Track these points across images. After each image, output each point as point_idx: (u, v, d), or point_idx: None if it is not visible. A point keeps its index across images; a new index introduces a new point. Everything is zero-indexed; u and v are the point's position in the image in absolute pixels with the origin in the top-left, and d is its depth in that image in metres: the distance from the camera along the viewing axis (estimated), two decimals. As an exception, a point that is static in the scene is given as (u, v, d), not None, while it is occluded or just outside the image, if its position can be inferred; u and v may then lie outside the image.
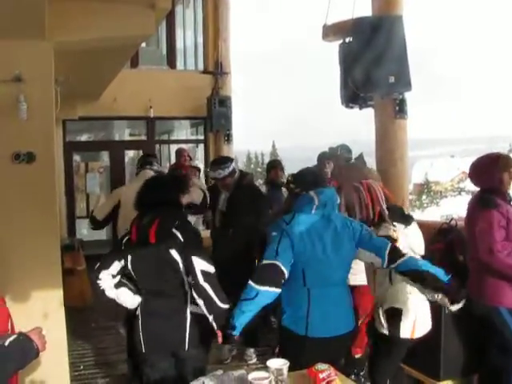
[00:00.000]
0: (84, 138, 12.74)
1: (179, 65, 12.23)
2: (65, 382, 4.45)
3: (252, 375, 2.46)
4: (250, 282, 3.12)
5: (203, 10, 11.79)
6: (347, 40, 5.96)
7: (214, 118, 10.85)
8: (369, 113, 6.17)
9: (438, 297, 3.24)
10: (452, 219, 4.81)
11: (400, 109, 5.73)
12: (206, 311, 3.19)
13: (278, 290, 3.13)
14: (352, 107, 6.19)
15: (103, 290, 3.44)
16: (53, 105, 4.47)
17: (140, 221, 3.37)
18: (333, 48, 6.23)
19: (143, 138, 12.10)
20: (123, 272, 3.47)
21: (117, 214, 5.17)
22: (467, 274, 4.17)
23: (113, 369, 5.55)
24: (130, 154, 12.38)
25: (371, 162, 6.36)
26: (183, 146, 11.73)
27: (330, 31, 6.16)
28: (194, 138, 12.88)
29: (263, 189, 6.48)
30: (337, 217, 3.39)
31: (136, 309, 3.51)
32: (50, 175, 4.42)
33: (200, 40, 12.04)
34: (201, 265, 3.21)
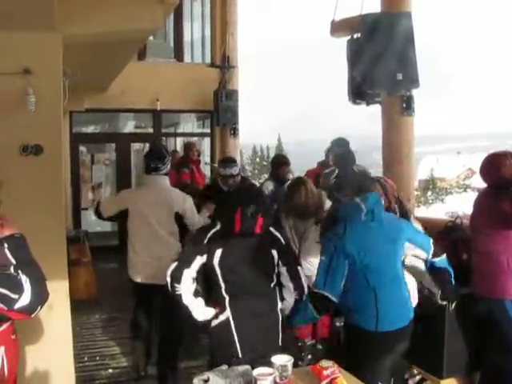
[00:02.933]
0: (90, 129, 12.74)
1: (186, 58, 12.21)
2: (69, 373, 4.47)
3: (257, 371, 2.47)
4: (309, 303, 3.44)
5: (211, 3, 11.75)
6: (355, 36, 5.94)
7: (221, 111, 10.82)
8: (376, 109, 6.17)
9: (438, 292, 3.54)
10: (457, 217, 4.80)
11: (407, 106, 5.73)
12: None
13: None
14: (359, 103, 6.18)
15: (180, 295, 3.27)
16: (61, 97, 4.46)
17: (243, 211, 3.26)
18: (339, 44, 6.22)
19: (150, 130, 12.10)
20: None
21: (124, 218, 5.00)
22: (470, 272, 4.18)
23: (117, 360, 5.58)
24: (136, 146, 12.37)
25: (378, 158, 6.37)
26: (192, 140, 11.77)
27: (338, 27, 6.15)
28: (200, 131, 12.88)
29: (269, 184, 6.44)
30: (386, 217, 3.59)
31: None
32: (58, 168, 4.42)
33: (207, 33, 12.01)
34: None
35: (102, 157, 12.21)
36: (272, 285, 3.35)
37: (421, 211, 37.29)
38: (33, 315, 2.61)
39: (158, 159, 4.95)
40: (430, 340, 4.15)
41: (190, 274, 3.27)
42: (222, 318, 3.29)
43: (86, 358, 5.59)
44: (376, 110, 6.12)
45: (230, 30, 11.05)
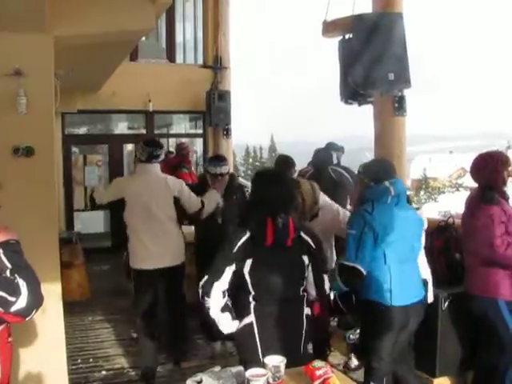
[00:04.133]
0: (83, 130, 12.70)
1: (178, 59, 12.19)
2: (62, 376, 4.46)
3: (249, 372, 2.47)
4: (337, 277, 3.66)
5: (203, 3, 11.73)
6: (347, 37, 5.95)
7: (213, 112, 10.80)
8: (370, 108, 6.19)
9: None
10: (450, 217, 4.83)
11: (399, 106, 5.73)
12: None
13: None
14: (351, 103, 6.19)
15: (209, 309, 3.24)
16: (52, 99, 4.46)
17: (274, 221, 3.17)
18: (333, 44, 6.23)
19: (142, 131, 12.07)
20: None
21: (121, 208, 5.01)
22: (463, 271, 4.20)
23: (110, 362, 5.56)
24: (128, 147, 12.35)
25: (370, 158, 6.38)
26: (185, 140, 11.75)
27: (330, 27, 6.15)
28: (192, 131, 12.86)
29: None
30: (408, 205, 3.95)
31: None
32: (50, 169, 4.41)
33: (200, 34, 12.00)
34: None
35: (95, 158, 12.18)
36: (301, 290, 3.31)
37: (414, 211, 37.34)
38: (27, 318, 2.60)
39: (160, 147, 5.13)
40: (423, 339, 4.16)
41: (220, 287, 3.20)
42: (246, 321, 3.23)
43: (79, 360, 5.57)
44: (370, 109, 6.14)
45: (222, 31, 11.04)
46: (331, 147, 6.94)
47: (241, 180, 8.46)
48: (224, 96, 10.94)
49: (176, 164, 8.83)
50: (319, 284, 3.35)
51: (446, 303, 4.20)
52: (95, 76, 7.89)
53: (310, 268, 3.30)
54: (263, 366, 2.54)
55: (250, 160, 74.36)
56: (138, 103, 10.98)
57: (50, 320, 4.21)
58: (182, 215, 5.17)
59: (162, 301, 5.10)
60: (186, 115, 12.76)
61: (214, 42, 11.20)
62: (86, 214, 11.52)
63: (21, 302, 2.49)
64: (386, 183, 3.76)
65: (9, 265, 2.54)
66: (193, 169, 9.55)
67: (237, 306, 3.30)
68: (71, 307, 6.33)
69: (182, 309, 5.24)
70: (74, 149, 11.83)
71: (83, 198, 11.82)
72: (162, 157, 5.16)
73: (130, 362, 5.49)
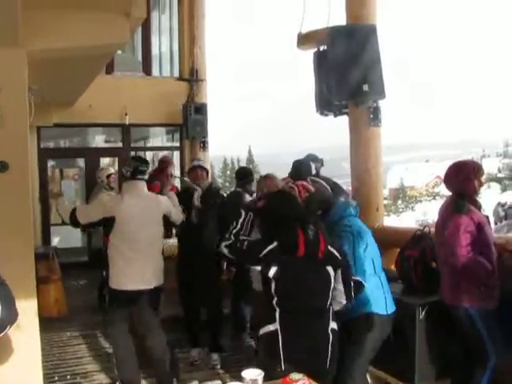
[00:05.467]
0: (59, 144, 12.62)
1: (155, 71, 12.14)
2: (39, 394, 4.39)
3: (228, 386, 2.46)
4: None
5: (179, 16, 11.75)
6: (321, 48, 6.01)
7: (190, 125, 10.81)
8: (343, 120, 6.24)
9: None
10: (426, 226, 4.87)
11: (374, 116, 5.80)
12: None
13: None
14: (327, 115, 6.25)
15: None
16: (27, 113, 4.42)
17: (305, 233, 3.21)
18: (309, 56, 6.29)
19: (119, 144, 12.00)
20: None
21: (107, 227, 4.91)
22: (439, 280, 4.23)
23: (89, 378, 5.48)
24: (105, 160, 12.26)
25: (347, 168, 6.43)
26: (163, 153, 11.70)
27: (305, 40, 6.22)
28: (169, 144, 12.81)
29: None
30: None
31: None
32: (24, 184, 4.37)
33: (176, 47, 11.99)
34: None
35: (71, 172, 12.09)
36: (327, 303, 3.31)
37: (391, 220, 37.69)
38: (1, 335, 2.57)
39: (146, 163, 5.07)
40: (401, 347, 4.18)
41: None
42: (270, 327, 3.22)
43: (56, 378, 5.47)
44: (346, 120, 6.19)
45: (198, 44, 11.08)
46: (310, 158, 6.99)
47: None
48: (200, 109, 10.96)
49: (151, 176, 8.84)
50: (348, 293, 3.41)
51: (423, 312, 4.22)
52: (71, 89, 7.85)
53: (336, 279, 3.33)
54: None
55: (228, 172, 74.36)
56: (114, 116, 10.92)
57: (26, 336, 4.14)
58: (170, 229, 5.21)
59: (145, 322, 4.99)
60: (163, 128, 12.71)
61: (189, 55, 11.23)
62: (62, 228, 11.40)
63: None
64: (341, 199, 4.02)
65: None
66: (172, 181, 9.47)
67: (264, 309, 3.35)
68: (48, 323, 6.24)
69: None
70: (50, 163, 11.71)
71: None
72: (146, 175, 5.03)
73: (109, 378, 5.42)
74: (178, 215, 5.25)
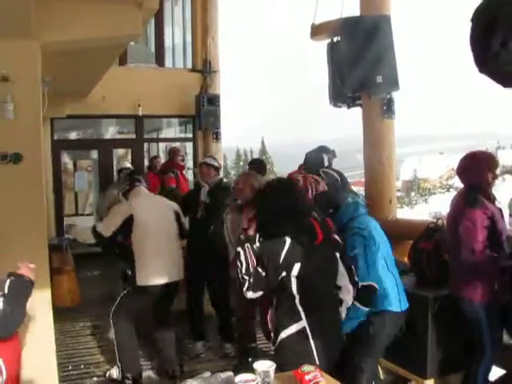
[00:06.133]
0: (72, 136, 12.67)
1: (168, 63, 12.20)
2: (53, 383, 4.44)
3: (239, 377, 2.46)
4: (356, 302, 3.55)
5: (192, 7, 11.75)
6: (335, 39, 5.98)
7: (203, 116, 10.82)
8: (357, 111, 6.20)
9: None
10: (439, 219, 4.84)
11: (387, 108, 5.76)
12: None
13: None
14: (340, 106, 6.22)
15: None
16: (40, 105, 4.44)
17: (317, 220, 3.27)
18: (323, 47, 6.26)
19: (132, 136, 12.06)
20: None
21: (127, 227, 5.00)
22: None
23: (102, 368, 5.53)
24: (118, 152, 12.33)
25: (361, 160, 6.40)
26: (176, 144, 11.76)
27: (318, 30, 6.19)
28: (182, 136, 12.86)
29: None
30: None
31: None
32: (38, 176, 4.40)
33: (189, 38, 12.00)
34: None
35: (85, 163, 12.15)
36: (336, 290, 3.38)
37: (404, 212, 37.54)
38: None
39: (137, 173, 5.70)
40: (413, 340, 4.18)
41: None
42: (296, 327, 3.18)
43: (70, 367, 5.54)
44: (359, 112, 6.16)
45: (211, 35, 11.06)
46: (322, 150, 6.95)
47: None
48: (213, 100, 10.96)
49: (164, 168, 8.94)
50: (349, 274, 3.43)
51: (436, 305, 4.20)
52: (84, 81, 7.87)
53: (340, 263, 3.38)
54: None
55: (241, 163, 74.33)
56: (127, 108, 10.97)
57: (40, 326, 4.19)
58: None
59: (159, 314, 5.27)
60: (176, 119, 12.77)
61: (202, 46, 11.22)
62: (76, 219, 11.48)
63: None
64: (350, 199, 3.97)
65: (6, 290, 2.74)
66: (184, 172, 9.54)
67: (279, 313, 3.28)
68: (62, 313, 6.29)
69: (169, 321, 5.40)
70: (64, 154, 11.78)
71: (73, 203, 11.80)
72: (143, 182, 5.37)
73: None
74: (185, 220, 5.50)
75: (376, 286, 3.62)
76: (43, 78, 4.60)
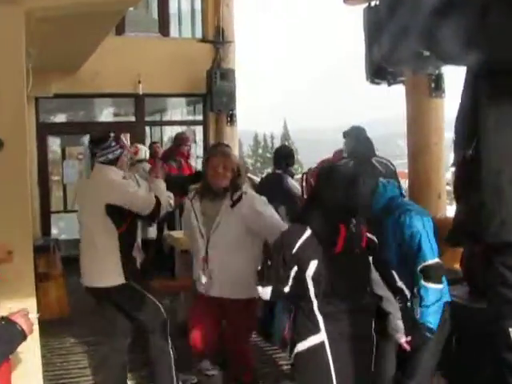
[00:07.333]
0: (60, 118, 12.74)
1: (173, 32, 12.18)
2: (39, 408, 4.48)
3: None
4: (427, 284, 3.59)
5: (202, -34, 11.74)
6: (373, 3, 5.93)
7: (215, 94, 10.79)
8: (399, 89, 6.16)
9: None
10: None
11: (436, 86, 5.72)
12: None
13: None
14: (378, 83, 6.17)
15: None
16: (24, 82, 4.46)
17: (347, 229, 3.23)
18: (358, 13, 6.21)
19: (131, 118, 12.09)
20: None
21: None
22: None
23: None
24: (115, 137, 12.37)
25: (404, 146, 6.36)
26: (184, 129, 11.77)
27: (353, -9, 6.15)
28: (190, 118, 12.88)
29: None
30: None
31: None
32: (22, 165, 4.42)
33: (198, 3, 12.00)
34: None
35: (75, 150, 12.19)
36: (367, 296, 3.39)
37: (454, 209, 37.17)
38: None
39: (97, 143, 5.07)
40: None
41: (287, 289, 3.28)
42: (314, 340, 3.21)
43: (58, 390, 5.59)
44: (392, 90, 6.12)
45: (225, 1, 11.02)
46: (362, 133, 6.80)
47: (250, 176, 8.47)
48: (227, 75, 10.93)
49: (166, 156, 8.97)
50: (390, 279, 3.46)
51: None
52: (74, 54, 7.91)
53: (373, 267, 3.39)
54: None
55: (260, 151, 74.27)
56: (125, 85, 10.97)
57: (24, 345, 4.21)
58: (134, 220, 5.06)
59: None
60: (183, 99, 12.78)
61: (215, 13, 11.17)
62: (64, 216, 11.54)
63: None
64: (383, 181, 4.00)
65: None
66: (189, 161, 9.52)
67: (297, 318, 3.32)
68: (49, 326, 6.31)
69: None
70: (51, 140, 11.84)
71: (62, 197, 11.85)
72: (109, 156, 4.98)
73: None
74: (138, 204, 4.94)
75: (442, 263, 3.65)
76: (27, 49, 4.62)
